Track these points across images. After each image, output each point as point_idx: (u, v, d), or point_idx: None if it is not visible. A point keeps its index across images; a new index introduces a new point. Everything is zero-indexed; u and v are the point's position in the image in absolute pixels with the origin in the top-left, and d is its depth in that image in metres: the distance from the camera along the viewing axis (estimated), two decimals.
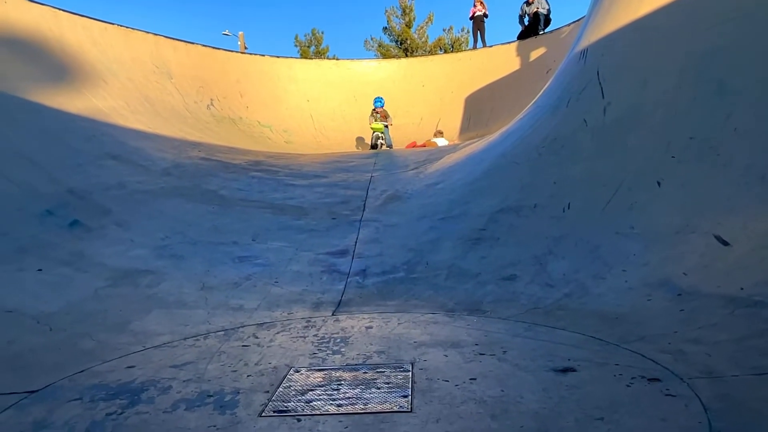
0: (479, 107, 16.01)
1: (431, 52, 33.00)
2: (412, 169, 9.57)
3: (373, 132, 14.80)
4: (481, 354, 3.98)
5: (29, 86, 8.25)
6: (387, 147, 14.54)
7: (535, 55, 16.00)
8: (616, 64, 6.76)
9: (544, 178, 6.70)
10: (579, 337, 4.16)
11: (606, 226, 5.52)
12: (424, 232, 6.88)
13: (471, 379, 3.57)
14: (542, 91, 9.10)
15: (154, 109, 11.02)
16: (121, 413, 3.26)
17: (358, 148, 15.35)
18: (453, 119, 16.17)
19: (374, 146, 14.61)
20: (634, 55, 6.52)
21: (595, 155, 6.27)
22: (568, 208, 6.07)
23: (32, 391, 3.54)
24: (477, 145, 9.80)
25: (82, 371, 3.85)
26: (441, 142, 14.73)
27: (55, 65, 9.50)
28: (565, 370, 3.58)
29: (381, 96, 15.58)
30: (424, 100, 16.62)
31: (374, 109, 15.47)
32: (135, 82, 11.32)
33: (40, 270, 5.36)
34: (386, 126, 14.88)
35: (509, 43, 17.20)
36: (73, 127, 8.30)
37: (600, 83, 6.74)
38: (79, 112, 8.78)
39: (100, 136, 8.59)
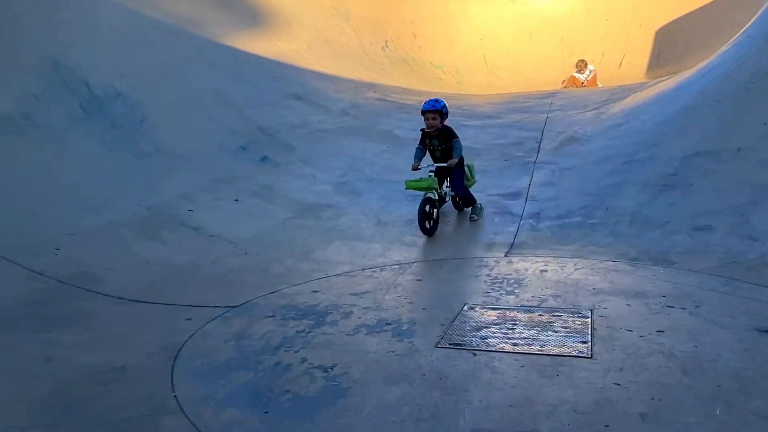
0: (671, 41, 14.43)
1: None
2: (593, 110, 8.96)
3: (426, 191, 5.64)
4: (669, 306, 3.70)
5: (224, 31, 8.91)
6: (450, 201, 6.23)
7: None
8: None
9: (752, 118, 5.90)
10: None
11: None
12: (604, 175, 6.46)
13: (658, 331, 3.34)
14: (752, 19, 7.93)
15: (332, 51, 11.41)
16: (309, 332, 3.53)
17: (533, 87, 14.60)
18: (640, 56, 14.78)
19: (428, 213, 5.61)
20: None
21: None
22: None
23: (233, 306, 3.95)
24: (668, 82, 8.89)
25: (273, 292, 4.21)
26: (583, 77, 13.26)
27: (246, 11, 10.13)
28: None
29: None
30: (608, 36, 15.33)
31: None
32: (316, 25, 11.76)
33: (236, 200, 5.90)
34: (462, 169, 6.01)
35: None
36: (262, 69, 8.87)
37: None
38: (266, 54, 9.34)
39: (285, 78, 9.11)
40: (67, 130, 5.62)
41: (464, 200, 6.04)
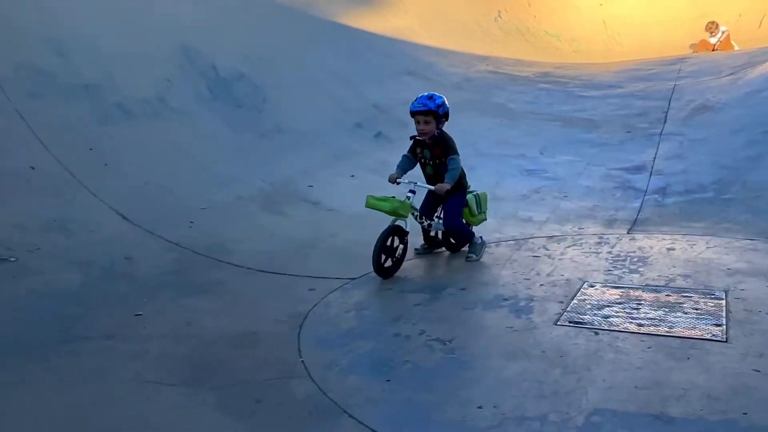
0: None
1: None
2: (728, 75, 8.27)
3: (391, 214, 4.17)
4: None
5: (338, 10, 9.08)
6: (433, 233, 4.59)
7: None
8: None
9: None
10: None
11: None
12: (741, 147, 5.98)
13: None
14: None
15: (444, 25, 11.29)
16: (426, 305, 3.59)
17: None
18: None
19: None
20: None
21: None
22: None
23: (352, 278, 4.08)
24: None
25: None
26: (714, 40, 12.08)
27: None
28: None
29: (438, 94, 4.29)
30: None
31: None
32: None
33: (352, 176, 6.06)
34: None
35: None
36: (375, 46, 8.97)
37: None
38: (379, 31, 9.43)
39: (397, 54, 9.16)
40: (197, 111, 6.02)
41: (457, 238, 4.47)
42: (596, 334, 3.10)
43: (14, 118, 4.79)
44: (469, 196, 4.42)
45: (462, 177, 4.35)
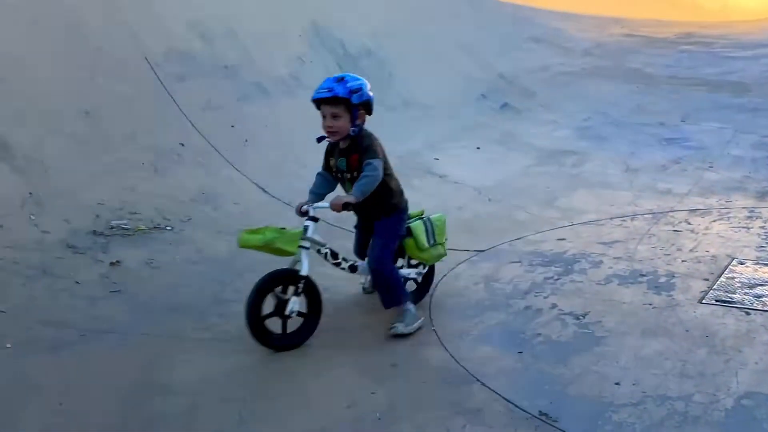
0: None
1: None
2: None
3: (274, 253, 2.91)
4: None
5: None
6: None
7: None
8: None
9: None
10: None
11: None
12: None
13: None
14: None
15: None
16: (557, 279, 3.52)
17: None
18: None
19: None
20: None
21: None
22: None
23: (480, 251, 4.08)
24: None
25: (518, 238, 4.25)
26: None
27: None
28: None
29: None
30: None
31: None
32: None
33: (478, 148, 6.02)
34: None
35: None
36: (500, 14, 8.78)
37: None
38: None
39: (523, 21, 8.91)
40: None
41: (379, 288, 3.06)
42: (747, 314, 2.90)
43: (166, 99, 5.23)
44: (416, 223, 3.17)
45: (394, 194, 3.07)
